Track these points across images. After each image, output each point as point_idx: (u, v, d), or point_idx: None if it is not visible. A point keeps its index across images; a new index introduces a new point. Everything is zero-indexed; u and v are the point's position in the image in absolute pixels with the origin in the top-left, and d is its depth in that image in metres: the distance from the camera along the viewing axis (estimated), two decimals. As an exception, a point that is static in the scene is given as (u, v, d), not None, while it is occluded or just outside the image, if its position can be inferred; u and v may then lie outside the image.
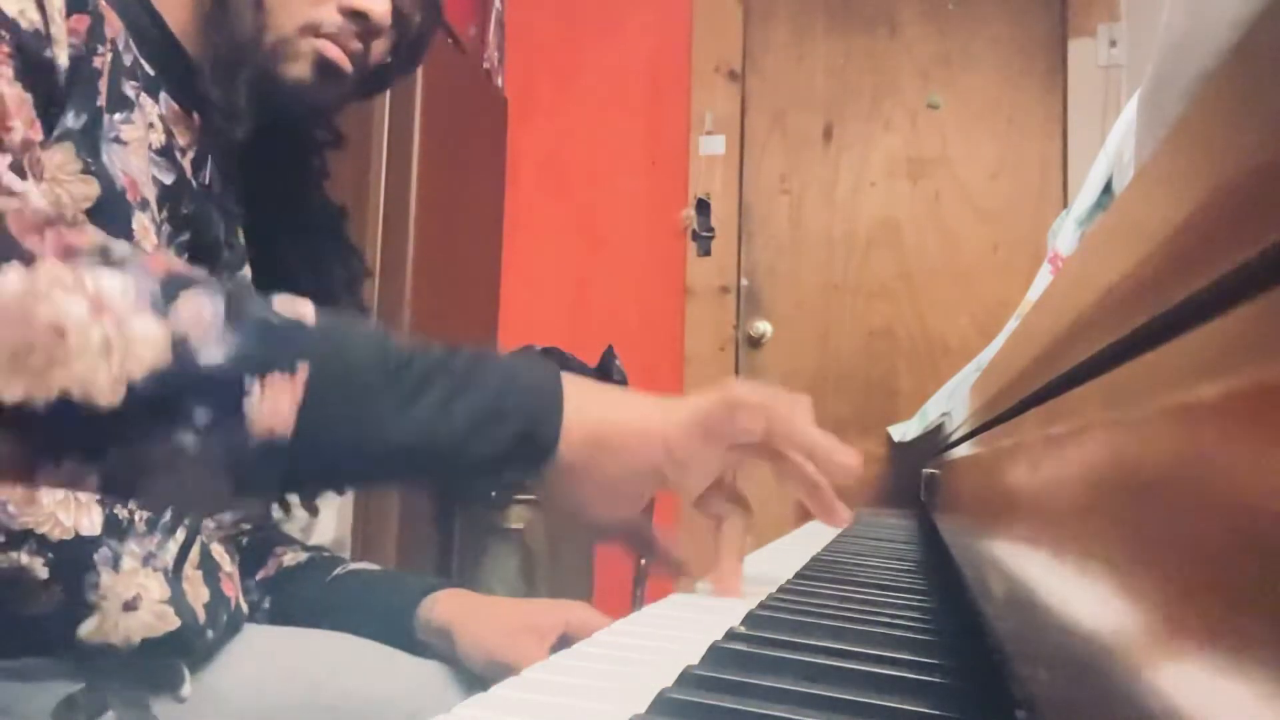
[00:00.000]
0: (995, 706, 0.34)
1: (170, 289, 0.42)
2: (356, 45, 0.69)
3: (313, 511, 0.78)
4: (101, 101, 0.57)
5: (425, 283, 2.29)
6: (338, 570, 0.77)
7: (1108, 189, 1.00)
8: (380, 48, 0.72)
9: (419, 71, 2.27)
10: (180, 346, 0.41)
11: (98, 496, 0.57)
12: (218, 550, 0.68)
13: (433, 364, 0.47)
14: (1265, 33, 0.14)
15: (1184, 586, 0.15)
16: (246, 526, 0.80)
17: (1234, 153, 0.15)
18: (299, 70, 0.67)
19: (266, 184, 0.75)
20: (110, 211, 0.56)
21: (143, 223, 0.58)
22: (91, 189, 0.55)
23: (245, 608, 0.71)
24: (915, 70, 2.54)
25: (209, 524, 0.69)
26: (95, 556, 0.56)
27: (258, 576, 0.77)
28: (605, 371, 2.34)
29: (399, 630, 0.71)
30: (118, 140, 0.58)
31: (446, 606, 0.71)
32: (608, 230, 2.65)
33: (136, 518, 0.59)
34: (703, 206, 2.58)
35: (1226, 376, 0.14)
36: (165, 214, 0.62)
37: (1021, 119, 2.46)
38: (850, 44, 2.58)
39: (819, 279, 2.55)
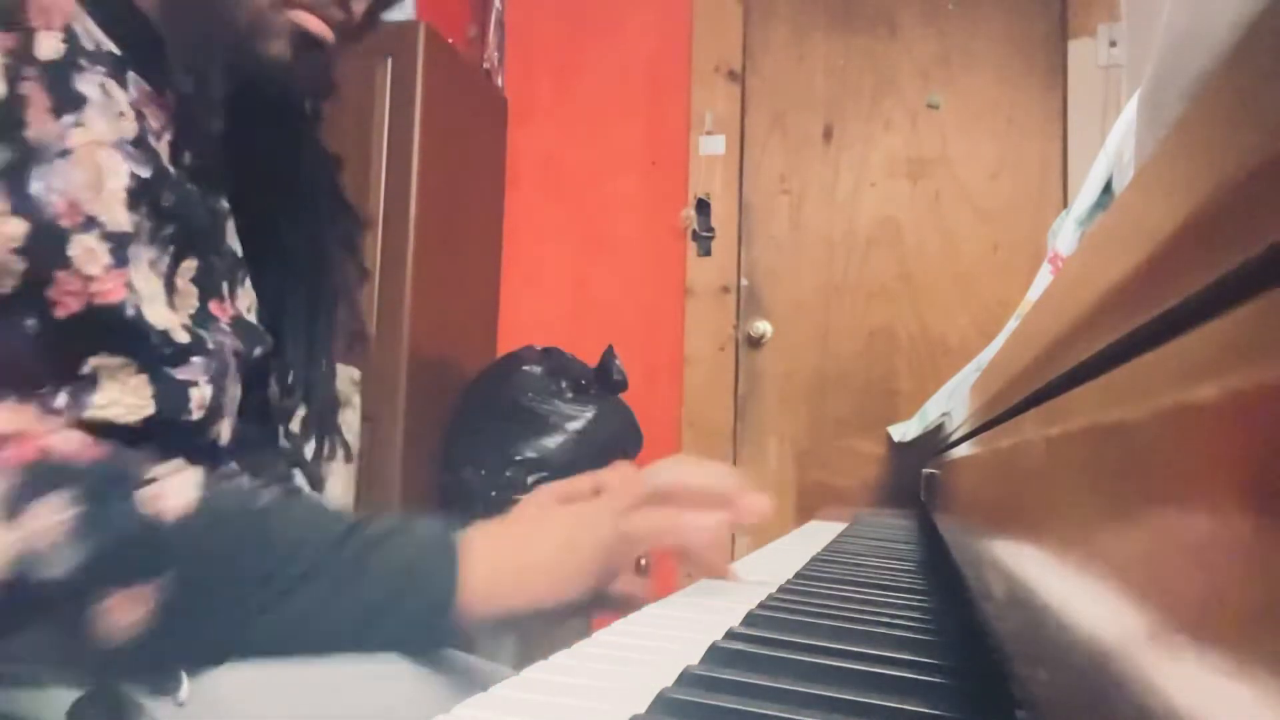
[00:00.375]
0: (995, 706, 0.34)
1: (26, 492, 0.42)
2: (337, 13, 0.65)
3: (318, 485, 0.77)
4: (30, 132, 0.53)
5: (425, 283, 2.29)
6: None
7: (1108, 189, 1.00)
8: (361, 5, 0.67)
9: (419, 71, 2.27)
10: (22, 560, 0.41)
11: None
12: None
13: (318, 560, 0.47)
14: (1265, 33, 0.14)
15: (1184, 586, 0.15)
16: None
17: (1234, 153, 0.15)
18: (278, 48, 0.63)
19: (251, 149, 0.71)
20: (40, 248, 0.52)
21: (85, 245, 0.54)
22: (17, 229, 0.51)
23: None
24: (915, 70, 2.54)
25: None
26: None
27: None
28: (605, 371, 2.34)
29: None
30: (62, 154, 0.53)
31: None
32: (608, 230, 2.65)
33: None
34: (703, 206, 2.58)
35: (1226, 376, 0.14)
36: (145, 210, 0.58)
37: (1021, 119, 2.46)
38: (850, 44, 2.58)
39: (819, 279, 2.55)
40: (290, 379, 0.73)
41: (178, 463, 0.47)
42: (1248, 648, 0.12)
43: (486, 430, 2.27)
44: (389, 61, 2.28)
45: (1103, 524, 0.20)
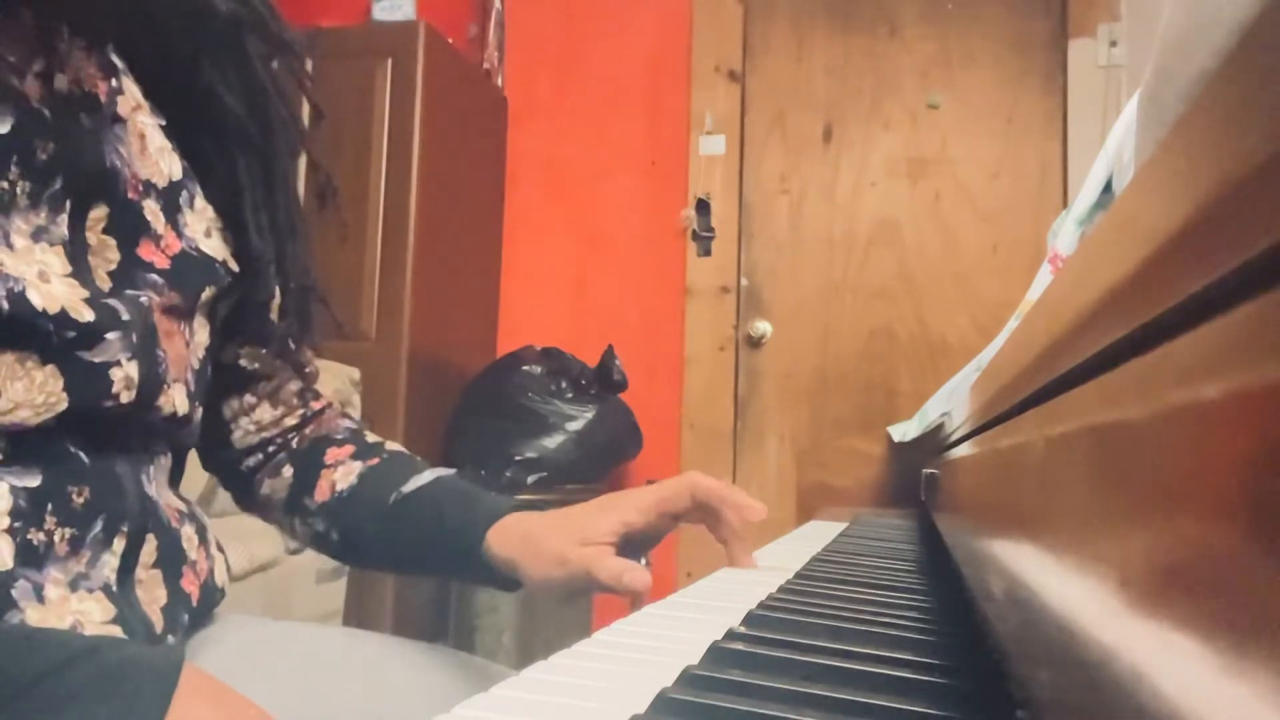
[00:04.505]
0: (995, 706, 0.34)
1: None
2: None
3: (302, 375, 0.74)
4: None
5: (425, 283, 2.29)
6: (394, 497, 0.70)
7: (1108, 189, 1.00)
8: None
9: (419, 71, 2.27)
10: None
11: (5, 525, 0.48)
12: (187, 534, 0.61)
13: None
14: (1265, 33, 0.14)
15: (1184, 587, 0.15)
16: (291, 423, 0.74)
17: (1234, 153, 0.15)
18: None
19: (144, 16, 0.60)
20: None
21: None
22: None
23: (223, 584, 0.66)
24: (915, 70, 2.54)
25: (178, 504, 0.62)
26: (14, 592, 0.48)
27: (316, 500, 0.71)
28: (605, 371, 2.34)
29: (470, 566, 0.68)
30: None
31: (503, 544, 0.66)
32: (608, 230, 2.65)
33: (56, 538, 0.50)
34: (703, 206, 2.58)
35: (1226, 376, 0.14)
36: (16, 172, 0.48)
37: (1021, 119, 2.46)
38: (850, 44, 2.58)
39: (819, 279, 2.55)
40: (260, 268, 0.65)
41: None
42: (1247, 647, 0.12)
43: (486, 430, 2.27)
44: (389, 61, 2.28)
45: (1102, 524, 0.20)
